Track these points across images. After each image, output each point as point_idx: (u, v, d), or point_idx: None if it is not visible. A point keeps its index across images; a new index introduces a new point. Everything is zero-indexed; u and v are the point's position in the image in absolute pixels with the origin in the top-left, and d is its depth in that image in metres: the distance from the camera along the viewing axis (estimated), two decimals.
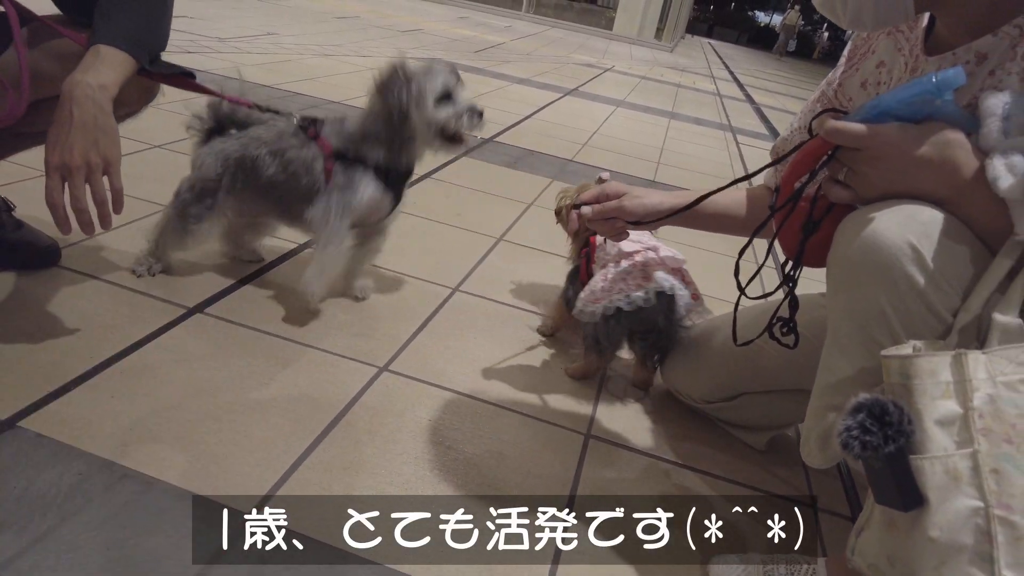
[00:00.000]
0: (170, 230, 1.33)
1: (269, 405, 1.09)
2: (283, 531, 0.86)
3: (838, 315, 0.77)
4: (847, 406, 0.62)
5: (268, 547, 0.83)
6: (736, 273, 0.90)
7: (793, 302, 0.87)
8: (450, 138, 1.29)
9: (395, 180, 1.35)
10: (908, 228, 0.69)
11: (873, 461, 0.61)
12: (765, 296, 0.93)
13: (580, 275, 1.34)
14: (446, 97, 1.27)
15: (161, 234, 1.34)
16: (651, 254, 1.24)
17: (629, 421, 1.25)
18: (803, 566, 0.91)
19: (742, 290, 0.90)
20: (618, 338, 1.24)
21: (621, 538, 0.97)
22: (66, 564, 0.77)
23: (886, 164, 0.72)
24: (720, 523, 1.04)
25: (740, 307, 0.94)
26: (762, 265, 0.93)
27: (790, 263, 0.87)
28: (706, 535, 1.01)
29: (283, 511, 0.89)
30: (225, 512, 0.87)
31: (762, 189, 1.16)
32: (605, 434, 1.20)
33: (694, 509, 1.06)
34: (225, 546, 0.82)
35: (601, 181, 1.19)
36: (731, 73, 10.79)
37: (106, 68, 0.96)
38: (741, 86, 8.83)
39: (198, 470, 0.93)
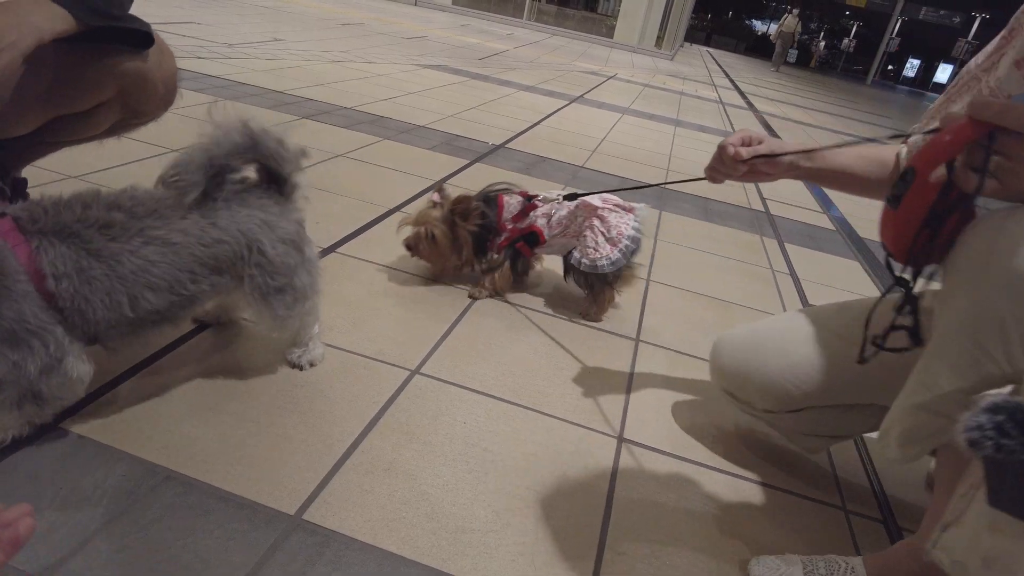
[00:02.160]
0: None
1: (306, 408, 1.09)
2: (328, 533, 0.86)
3: (950, 317, 0.72)
4: (981, 402, 0.58)
5: (314, 549, 0.84)
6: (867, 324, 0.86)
7: (912, 305, 0.79)
8: None
9: None
10: None
11: (1001, 464, 0.58)
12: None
13: (525, 253, 1.60)
14: None
15: None
16: (579, 208, 1.54)
17: (660, 425, 1.26)
18: (841, 564, 0.92)
19: (879, 346, 0.83)
20: (620, 268, 1.53)
21: (658, 542, 0.98)
22: (116, 564, 0.77)
23: None
24: (755, 524, 1.05)
25: (809, 305, 0.91)
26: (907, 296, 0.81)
27: (895, 260, 0.79)
28: (743, 536, 1.02)
29: (327, 513, 0.89)
30: (270, 513, 0.87)
31: (896, 149, 1.11)
32: (637, 437, 1.20)
33: (729, 511, 1.07)
34: (273, 547, 0.82)
35: (434, 202, 1.54)
36: (732, 81, 10.84)
37: (40, 11, 0.91)
38: (742, 94, 8.88)
39: (239, 472, 0.93)
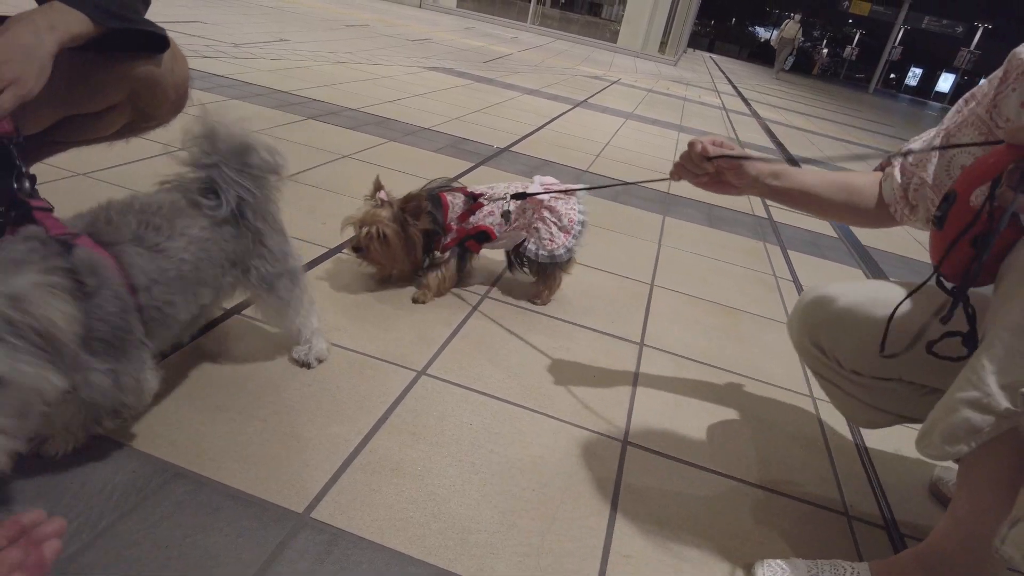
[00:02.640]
0: None
1: (314, 407, 1.10)
2: (336, 531, 0.87)
3: (1002, 319, 0.75)
4: None
5: (322, 547, 0.84)
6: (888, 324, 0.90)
7: (970, 319, 0.81)
8: None
9: None
10: None
11: None
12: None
13: (474, 251, 1.62)
14: None
15: None
16: (527, 201, 1.57)
17: (664, 428, 1.26)
18: (847, 569, 0.92)
19: (933, 352, 0.86)
20: (571, 251, 1.60)
21: (663, 545, 0.98)
22: (126, 561, 0.77)
23: None
24: (759, 529, 1.05)
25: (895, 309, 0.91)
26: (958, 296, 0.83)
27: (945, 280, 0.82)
28: (748, 540, 1.02)
29: (335, 511, 0.90)
30: (278, 511, 0.88)
31: (871, 178, 1.13)
32: (642, 440, 1.21)
33: (733, 515, 1.07)
34: (281, 544, 0.83)
35: (380, 201, 1.48)
36: (735, 87, 10.87)
37: (58, 15, 0.93)
38: (746, 101, 8.90)
39: (247, 469, 0.94)
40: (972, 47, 28.27)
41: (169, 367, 1.12)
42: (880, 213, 1.13)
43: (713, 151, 1.07)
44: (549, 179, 1.61)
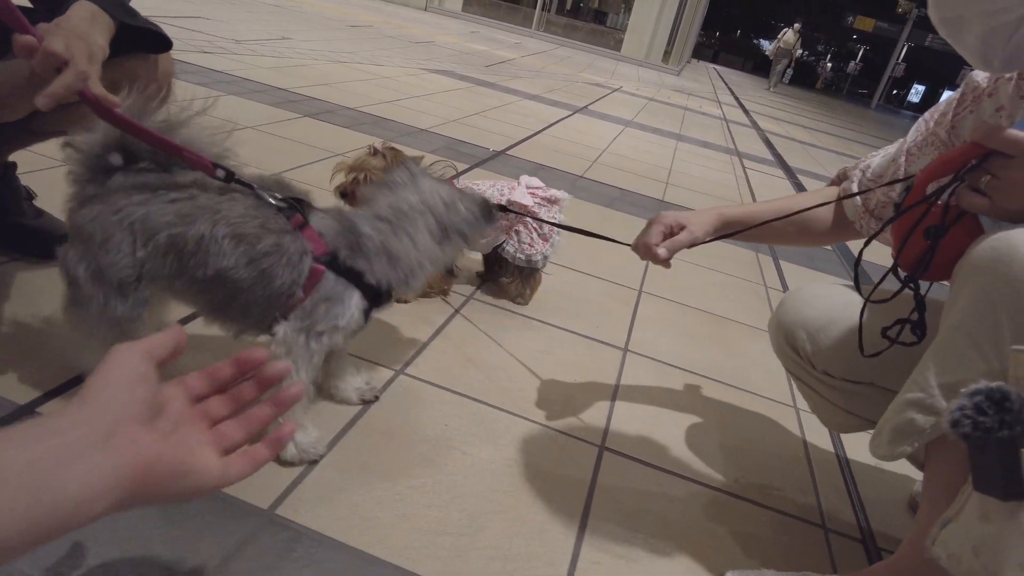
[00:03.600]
0: (89, 344, 0.94)
1: None
2: (300, 529, 0.86)
3: (949, 317, 0.76)
4: (966, 388, 0.61)
5: (285, 544, 0.83)
6: (857, 284, 0.91)
7: (920, 303, 0.84)
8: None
9: (378, 302, 1.00)
10: None
11: (982, 444, 0.61)
12: (886, 300, 0.91)
13: None
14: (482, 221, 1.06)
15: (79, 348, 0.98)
16: (511, 204, 1.58)
17: (643, 435, 1.25)
18: None
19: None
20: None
21: (634, 552, 0.97)
22: (86, 555, 0.76)
23: None
24: (734, 539, 1.04)
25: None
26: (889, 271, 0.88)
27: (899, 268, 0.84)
28: (721, 549, 1.01)
29: (301, 509, 0.89)
30: (243, 507, 0.87)
31: (819, 198, 1.15)
32: (619, 446, 1.20)
33: (708, 524, 1.06)
34: (244, 541, 0.82)
35: (374, 150, 1.44)
36: (736, 99, 10.89)
37: (98, 30, 0.92)
38: (747, 112, 8.92)
39: None
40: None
41: None
42: (838, 231, 1.17)
43: (664, 254, 1.05)
44: (535, 181, 1.62)
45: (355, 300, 0.95)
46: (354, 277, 0.95)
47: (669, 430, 1.29)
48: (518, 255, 1.59)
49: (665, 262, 1.05)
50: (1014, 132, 0.71)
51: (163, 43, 1.12)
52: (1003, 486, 0.60)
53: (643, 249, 1.08)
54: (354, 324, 0.97)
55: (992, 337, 0.70)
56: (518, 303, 1.66)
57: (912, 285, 0.83)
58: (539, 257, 1.59)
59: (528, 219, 1.57)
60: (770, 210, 1.14)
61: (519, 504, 1.00)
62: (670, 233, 1.07)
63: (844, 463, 1.33)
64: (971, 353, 0.71)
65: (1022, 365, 0.64)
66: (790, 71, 18.29)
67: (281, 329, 0.93)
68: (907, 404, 0.78)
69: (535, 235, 1.60)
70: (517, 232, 1.59)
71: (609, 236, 1.14)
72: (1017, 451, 0.60)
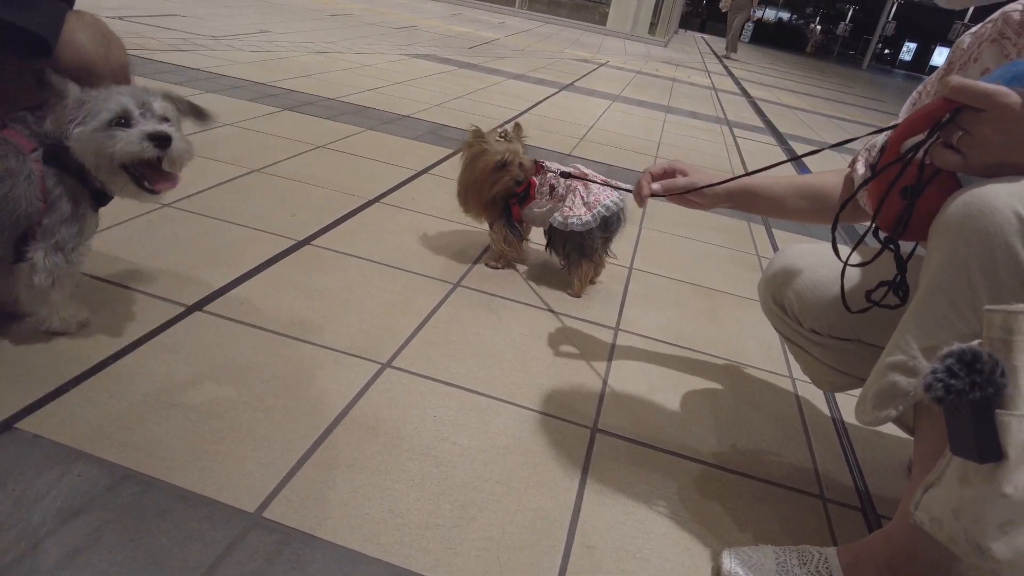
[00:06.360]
0: None
1: (271, 404, 1.07)
2: (288, 531, 0.84)
3: (925, 277, 0.75)
4: (940, 352, 0.61)
5: (272, 547, 0.82)
6: (834, 244, 0.91)
7: (900, 264, 0.83)
8: (135, 176, 1.03)
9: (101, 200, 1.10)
10: (1019, 198, 0.65)
11: (955, 407, 0.60)
12: (865, 264, 0.91)
13: (514, 217, 1.69)
14: (122, 122, 1.00)
15: None
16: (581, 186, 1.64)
17: (636, 414, 1.24)
18: (815, 555, 0.90)
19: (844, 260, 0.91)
20: (596, 241, 1.61)
21: (629, 534, 0.96)
22: (69, 566, 0.75)
23: (1011, 128, 0.68)
24: (731, 515, 1.03)
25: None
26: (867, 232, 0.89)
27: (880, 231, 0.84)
28: (717, 527, 1.00)
29: (288, 510, 0.87)
30: (229, 511, 0.85)
31: (838, 178, 1.13)
32: (612, 427, 1.18)
33: (704, 501, 1.05)
34: (230, 546, 0.81)
35: (504, 133, 1.61)
36: (725, 68, 10.77)
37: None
38: (736, 80, 8.82)
39: (200, 469, 0.91)
40: (966, 20, 28.04)
41: (121, 368, 1.09)
42: (852, 211, 1.14)
43: (655, 188, 1.09)
44: (587, 169, 1.67)
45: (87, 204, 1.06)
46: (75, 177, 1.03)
47: (662, 408, 1.28)
48: (558, 217, 1.61)
49: (643, 200, 1.13)
50: (984, 85, 0.69)
51: (39, 44, 0.97)
52: (978, 448, 0.60)
53: (637, 188, 1.09)
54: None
55: (968, 297, 0.69)
56: (569, 295, 1.67)
57: (892, 246, 0.82)
58: (575, 221, 1.59)
59: (580, 187, 1.62)
60: (786, 182, 1.12)
61: (511, 492, 0.98)
62: (672, 175, 1.09)
63: (841, 428, 1.32)
64: (950, 314, 0.70)
65: (995, 325, 0.63)
66: (750, 27, 16.10)
67: (33, 254, 1.02)
68: (889, 367, 0.77)
69: (579, 200, 1.61)
70: (566, 199, 1.63)
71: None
72: (991, 412, 0.59)
